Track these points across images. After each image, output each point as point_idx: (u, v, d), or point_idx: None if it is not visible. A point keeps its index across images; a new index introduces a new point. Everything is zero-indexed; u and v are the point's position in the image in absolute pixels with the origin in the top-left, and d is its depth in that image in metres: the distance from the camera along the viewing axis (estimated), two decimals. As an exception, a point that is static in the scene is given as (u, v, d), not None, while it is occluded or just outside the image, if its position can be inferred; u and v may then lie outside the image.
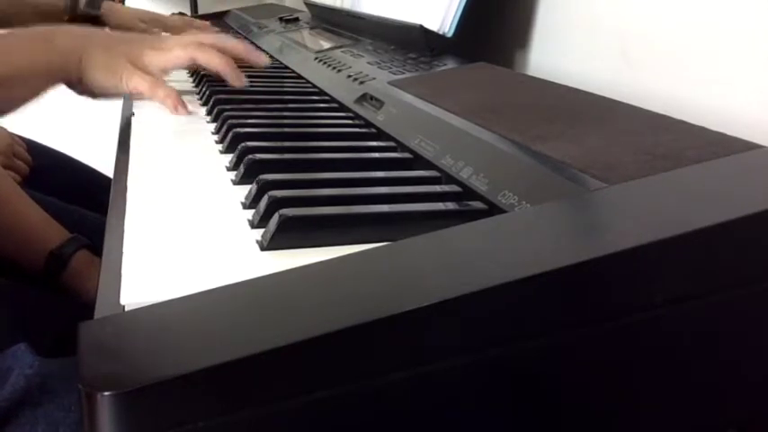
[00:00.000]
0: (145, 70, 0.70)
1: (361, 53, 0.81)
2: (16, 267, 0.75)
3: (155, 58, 0.71)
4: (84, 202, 0.93)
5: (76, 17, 1.06)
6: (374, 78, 0.67)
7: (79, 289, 0.74)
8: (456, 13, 0.71)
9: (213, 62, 0.72)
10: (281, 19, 1.22)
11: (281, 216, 0.38)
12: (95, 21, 1.09)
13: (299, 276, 0.28)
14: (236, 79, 0.73)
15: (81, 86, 0.69)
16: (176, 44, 0.73)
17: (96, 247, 0.79)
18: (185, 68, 0.83)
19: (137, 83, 0.69)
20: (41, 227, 0.77)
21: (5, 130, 0.94)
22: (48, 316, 0.70)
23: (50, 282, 0.74)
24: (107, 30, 1.08)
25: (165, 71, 0.72)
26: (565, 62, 0.69)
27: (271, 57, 1.01)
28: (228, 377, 0.22)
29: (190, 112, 0.70)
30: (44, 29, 0.68)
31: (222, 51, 0.74)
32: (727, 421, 0.33)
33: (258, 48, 0.95)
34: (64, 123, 1.68)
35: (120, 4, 1.21)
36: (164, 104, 0.70)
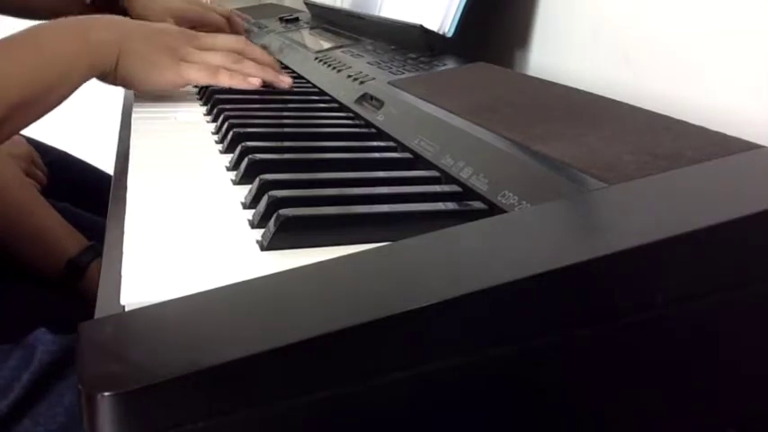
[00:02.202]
0: (189, 60, 0.70)
1: (361, 53, 0.81)
2: (35, 272, 0.75)
3: (195, 56, 0.71)
4: (85, 201, 0.93)
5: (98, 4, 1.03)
6: (374, 78, 0.67)
7: (94, 299, 0.74)
8: (456, 13, 0.71)
9: (252, 71, 0.73)
10: (281, 19, 1.22)
11: (280, 216, 0.38)
12: (116, 9, 1.02)
13: (299, 276, 0.28)
14: (282, 82, 0.75)
15: (117, 80, 0.69)
16: (217, 45, 0.73)
17: None
18: None
19: (194, 75, 0.70)
20: (62, 236, 0.77)
21: (22, 137, 0.94)
22: (65, 315, 0.70)
23: (68, 288, 0.75)
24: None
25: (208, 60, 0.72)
26: (565, 62, 0.69)
27: (270, 57, 1.01)
28: (228, 377, 0.22)
29: (265, 84, 0.72)
30: (75, 22, 0.66)
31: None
32: (727, 421, 0.33)
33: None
34: (64, 122, 1.68)
35: None
36: (234, 86, 0.71)
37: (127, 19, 0.71)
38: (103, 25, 0.67)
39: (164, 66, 0.69)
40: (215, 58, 0.72)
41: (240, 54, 0.74)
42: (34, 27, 0.64)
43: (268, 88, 0.75)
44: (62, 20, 0.65)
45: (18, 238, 0.75)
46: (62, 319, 0.68)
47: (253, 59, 0.74)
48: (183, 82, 0.71)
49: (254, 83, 0.72)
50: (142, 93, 0.73)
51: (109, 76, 0.68)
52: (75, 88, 0.64)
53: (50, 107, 0.62)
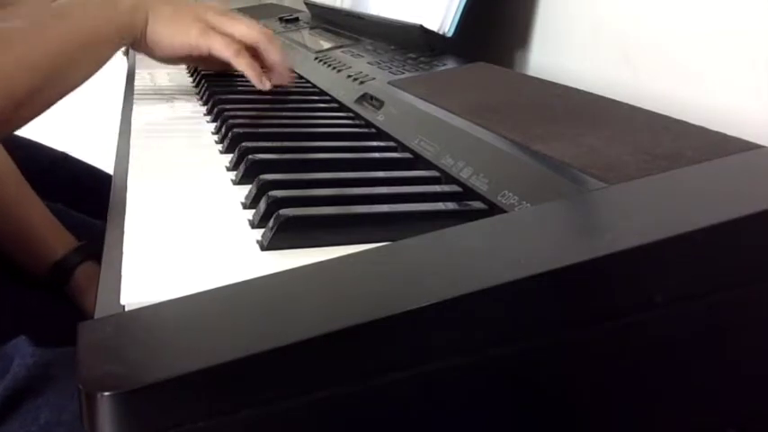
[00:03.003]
0: (216, 28, 0.69)
1: (361, 53, 0.81)
2: (23, 272, 0.74)
3: (223, 23, 0.70)
4: (84, 202, 0.93)
5: None
6: (374, 78, 0.67)
7: (80, 303, 0.74)
8: (456, 13, 0.71)
9: (273, 55, 0.73)
10: (281, 19, 1.22)
11: (280, 216, 0.38)
12: None
13: (299, 276, 0.28)
14: (288, 77, 0.75)
15: (144, 45, 0.68)
16: (244, 20, 0.73)
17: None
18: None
19: (218, 44, 0.69)
20: (48, 235, 0.76)
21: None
22: (50, 320, 0.70)
23: (55, 290, 0.74)
24: None
25: (233, 38, 0.71)
26: (565, 62, 0.69)
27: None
28: (228, 377, 0.22)
29: (273, 87, 0.72)
30: None
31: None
32: (727, 421, 0.33)
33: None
34: (64, 122, 1.68)
35: None
36: (245, 74, 0.70)
37: None
38: None
39: (191, 28, 0.68)
40: (241, 28, 0.71)
41: (267, 43, 0.73)
42: (58, 3, 0.63)
43: (257, 87, 0.75)
44: None
45: (4, 235, 0.74)
46: (49, 323, 0.68)
47: (273, 56, 0.74)
48: (206, 48, 0.69)
49: (266, 86, 0.72)
50: (165, 60, 0.72)
51: (139, 43, 0.68)
52: (111, 55, 0.64)
53: (83, 78, 0.62)
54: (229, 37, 0.71)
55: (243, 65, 0.70)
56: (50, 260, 0.74)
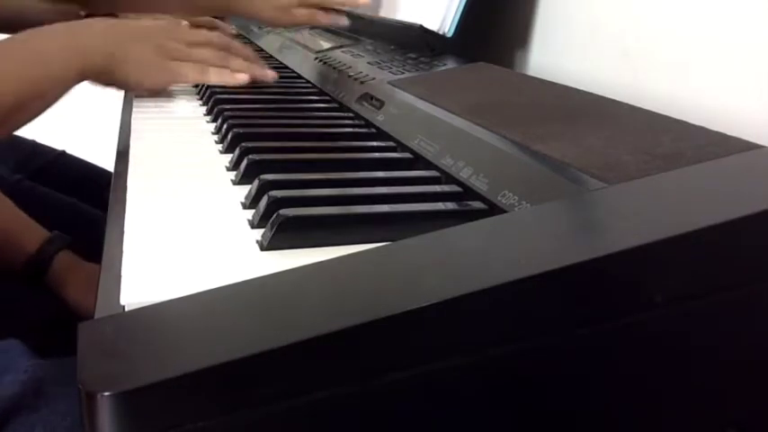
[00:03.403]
0: (178, 60, 0.70)
1: (361, 53, 0.81)
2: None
3: (183, 51, 0.71)
4: (86, 200, 0.93)
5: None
6: (374, 78, 0.67)
7: (61, 294, 0.74)
8: (456, 13, 0.71)
9: (240, 68, 0.74)
10: (281, 19, 1.22)
11: (280, 216, 0.38)
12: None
13: (299, 276, 0.28)
14: (268, 76, 0.76)
15: (109, 82, 0.69)
16: (204, 39, 0.74)
17: (80, 244, 0.78)
18: None
19: (182, 74, 0.70)
20: (20, 229, 0.75)
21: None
22: (35, 312, 0.70)
23: (34, 283, 0.74)
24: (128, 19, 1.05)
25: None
26: (565, 62, 0.69)
27: (271, 57, 1.01)
28: (228, 377, 0.22)
29: (252, 79, 0.73)
30: (66, 27, 0.67)
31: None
32: (727, 421, 0.33)
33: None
34: (64, 122, 1.68)
35: None
36: (223, 83, 0.72)
37: (116, 21, 0.72)
38: (94, 31, 0.68)
39: (156, 67, 0.70)
40: (203, 54, 0.72)
41: (226, 50, 0.75)
42: (25, 32, 0.64)
43: (262, 86, 0.75)
44: (53, 25, 0.66)
45: None
46: (30, 314, 0.68)
47: (238, 55, 0.75)
48: (175, 82, 0.72)
49: (242, 78, 0.73)
50: (138, 93, 0.74)
51: (101, 80, 0.68)
52: (65, 92, 0.65)
53: (40, 111, 0.63)
54: (192, 61, 0.72)
55: (213, 79, 0.72)
56: (26, 254, 0.74)
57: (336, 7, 0.84)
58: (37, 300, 0.72)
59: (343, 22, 0.85)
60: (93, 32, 0.68)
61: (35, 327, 0.63)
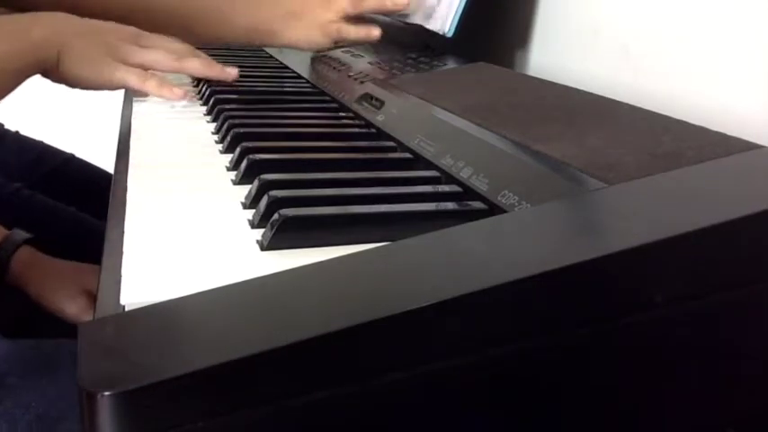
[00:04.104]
0: (125, 62, 0.67)
1: (361, 53, 0.81)
2: None
3: (134, 54, 0.69)
4: (92, 205, 0.93)
5: None
6: (374, 78, 0.67)
7: (25, 289, 0.74)
8: (456, 13, 0.71)
9: (197, 71, 0.72)
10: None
11: (280, 216, 0.38)
12: None
13: (298, 276, 0.28)
14: (225, 74, 0.73)
15: (58, 77, 0.67)
16: (157, 44, 0.71)
17: (77, 253, 0.78)
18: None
19: (123, 76, 0.67)
20: None
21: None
22: (2, 302, 0.69)
23: None
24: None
25: (143, 68, 0.69)
26: (565, 62, 0.69)
27: (271, 57, 1.01)
28: (228, 377, 0.22)
29: (190, 98, 0.70)
30: (14, 18, 0.65)
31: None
32: (726, 421, 0.33)
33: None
34: (64, 122, 1.68)
35: None
36: (159, 95, 0.68)
37: (70, 16, 0.69)
38: (44, 22, 0.66)
39: (101, 64, 0.67)
40: (154, 56, 0.69)
41: (180, 53, 0.72)
42: None
43: (263, 86, 0.75)
44: (2, 17, 0.64)
45: None
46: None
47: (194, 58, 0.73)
48: (116, 84, 0.68)
49: (178, 93, 0.69)
50: (83, 90, 0.70)
51: (51, 74, 0.66)
52: (16, 85, 0.63)
53: None
54: (141, 68, 0.69)
55: (152, 89, 0.68)
56: None
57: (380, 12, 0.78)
58: (2, 296, 0.72)
59: (377, 32, 0.78)
60: (42, 23, 0.65)
61: (2, 322, 0.63)
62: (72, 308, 0.72)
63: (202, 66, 0.72)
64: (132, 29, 0.72)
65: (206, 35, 0.81)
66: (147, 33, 0.72)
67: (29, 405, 0.50)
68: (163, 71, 0.71)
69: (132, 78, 0.67)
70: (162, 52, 0.70)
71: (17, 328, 0.58)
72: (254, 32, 0.80)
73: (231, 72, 0.74)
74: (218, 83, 0.74)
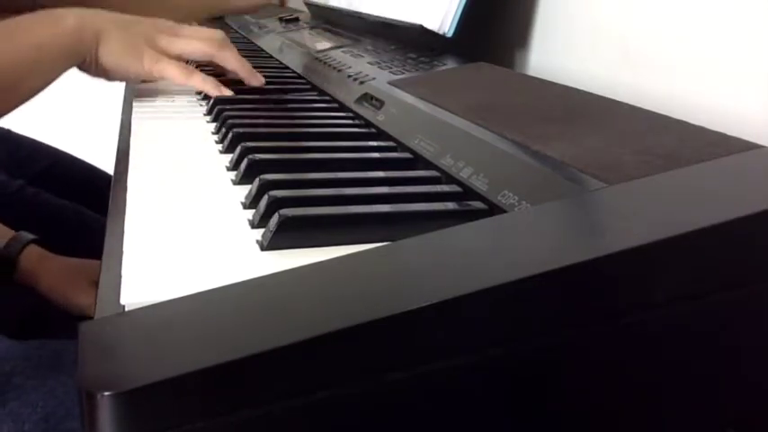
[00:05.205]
0: (164, 54, 0.68)
1: (361, 53, 0.81)
2: None
3: (173, 44, 0.70)
4: (89, 203, 0.93)
5: None
6: (374, 78, 0.67)
7: (34, 287, 0.74)
8: (456, 13, 0.71)
9: (231, 62, 0.73)
10: (280, 19, 1.22)
11: (280, 216, 0.38)
12: None
13: (298, 276, 0.28)
14: (255, 79, 0.74)
15: (96, 69, 0.67)
16: (195, 35, 0.72)
17: (48, 242, 0.78)
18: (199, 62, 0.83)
19: (170, 72, 0.68)
20: None
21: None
22: (6, 310, 0.70)
23: (3, 282, 0.74)
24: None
25: (181, 58, 0.71)
26: (565, 62, 0.69)
27: (271, 57, 1.01)
28: (228, 377, 0.22)
29: (233, 94, 0.71)
30: (51, 12, 0.65)
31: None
32: (726, 421, 0.33)
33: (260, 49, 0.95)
34: (64, 122, 1.68)
35: None
36: (203, 90, 0.70)
37: (103, 11, 0.69)
38: (80, 14, 0.66)
39: (142, 57, 0.68)
40: (192, 47, 0.71)
41: (219, 51, 0.73)
42: (11, 19, 0.62)
43: (262, 86, 0.75)
44: (39, 12, 0.64)
45: None
46: (7, 316, 0.68)
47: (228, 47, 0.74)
48: (158, 75, 0.69)
49: (226, 93, 0.71)
50: (121, 81, 0.72)
51: (88, 66, 0.67)
52: (54, 77, 0.63)
53: (32, 93, 0.61)
54: (179, 59, 0.70)
55: (197, 85, 0.70)
56: None
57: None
58: (8, 298, 0.72)
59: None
60: (79, 15, 0.66)
61: (7, 324, 0.63)
62: (83, 299, 0.73)
63: (236, 60, 0.74)
64: (169, 21, 0.73)
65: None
66: (184, 25, 0.74)
67: (35, 404, 0.50)
68: (199, 60, 0.73)
69: (174, 71, 0.68)
70: (199, 43, 0.71)
71: (22, 331, 0.59)
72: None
73: (259, 78, 0.75)
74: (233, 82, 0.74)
